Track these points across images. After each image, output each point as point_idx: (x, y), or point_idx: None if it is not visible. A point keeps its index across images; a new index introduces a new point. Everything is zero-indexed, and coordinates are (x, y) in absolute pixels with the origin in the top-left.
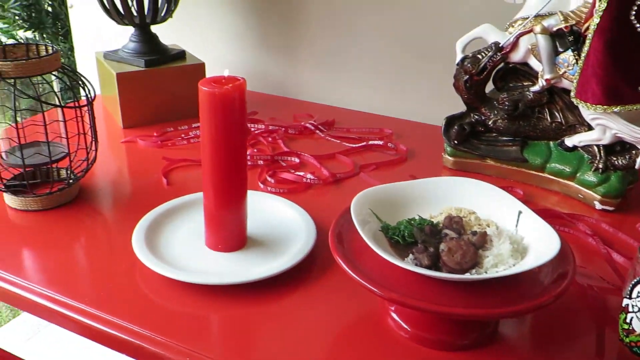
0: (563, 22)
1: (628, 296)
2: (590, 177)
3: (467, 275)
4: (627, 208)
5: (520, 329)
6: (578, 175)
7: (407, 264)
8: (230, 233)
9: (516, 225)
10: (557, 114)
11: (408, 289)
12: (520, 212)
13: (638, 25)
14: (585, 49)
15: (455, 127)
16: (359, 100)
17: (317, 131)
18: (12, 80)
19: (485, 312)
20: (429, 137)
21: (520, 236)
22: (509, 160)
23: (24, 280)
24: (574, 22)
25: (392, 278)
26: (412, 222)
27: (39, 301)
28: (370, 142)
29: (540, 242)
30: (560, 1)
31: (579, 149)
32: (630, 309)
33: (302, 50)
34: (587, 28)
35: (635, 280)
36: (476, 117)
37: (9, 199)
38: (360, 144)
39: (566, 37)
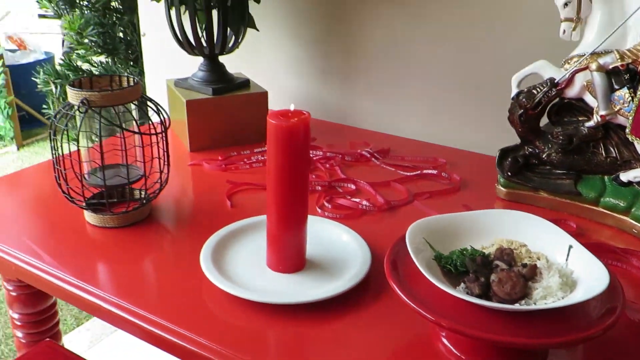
0: (619, 60)
1: None
2: None
3: (516, 306)
4: None
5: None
6: (633, 210)
7: (459, 292)
8: (290, 255)
9: (566, 259)
10: (612, 149)
11: (458, 316)
12: (570, 247)
13: None
14: None
15: (509, 159)
16: (414, 129)
17: (373, 159)
18: (98, 109)
19: (532, 342)
20: (482, 168)
21: (570, 270)
22: (562, 193)
23: (99, 289)
24: (630, 60)
25: (443, 305)
26: (465, 252)
27: (111, 309)
28: (425, 171)
29: (589, 276)
30: (616, 39)
31: (634, 184)
32: None
33: (360, 80)
34: None
35: None
36: (530, 149)
37: (89, 216)
38: (414, 173)
39: (622, 75)
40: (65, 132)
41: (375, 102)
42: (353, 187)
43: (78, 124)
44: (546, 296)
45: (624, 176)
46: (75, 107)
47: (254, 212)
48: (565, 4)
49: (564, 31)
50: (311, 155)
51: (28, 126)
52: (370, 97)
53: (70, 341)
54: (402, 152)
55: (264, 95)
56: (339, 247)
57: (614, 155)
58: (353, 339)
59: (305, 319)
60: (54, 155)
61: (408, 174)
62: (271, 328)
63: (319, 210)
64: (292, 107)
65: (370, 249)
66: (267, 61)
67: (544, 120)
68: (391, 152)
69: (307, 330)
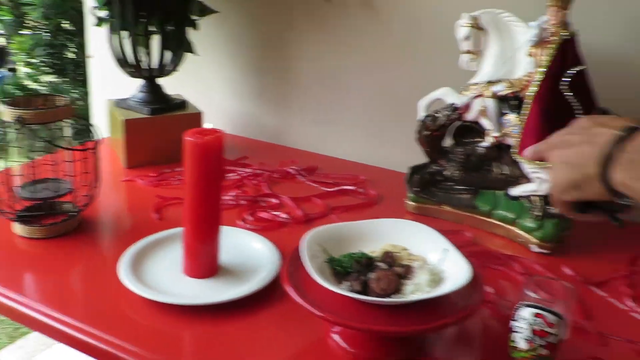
0: (509, 88)
1: (513, 319)
2: (529, 223)
3: (387, 299)
4: (561, 252)
5: (444, 347)
6: (519, 221)
7: (340, 289)
8: (203, 262)
9: (441, 260)
10: (504, 167)
11: (342, 312)
12: (446, 250)
13: (568, 93)
14: (525, 112)
15: (417, 175)
16: (342, 149)
17: (299, 176)
18: (32, 126)
19: (402, 330)
20: (397, 184)
21: (441, 269)
22: (462, 206)
23: (27, 298)
24: (517, 89)
25: (331, 304)
26: (354, 255)
27: (38, 317)
28: (344, 187)
29: (456, 275)
30: (508, 71)
31: (521, 198)
32: (514, 330)
33: (294, 102)
34: (527, 95)
35: (517, 306)
36: (435, 167)
37: (18, 228)
38: (334, 189)
39: (510, 101)
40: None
41: (307, 123)
42: (276, 201)
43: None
44: (415, 291)
45: (513, 191)
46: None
47: (178, 224)
48: (466, 38)
49: (464, 61)
50: (240, 172)
51: None
52: (303, 118)
53: (4, 358)
54: (328, 170)
55: (198, 115)
56: (253, 256)
57: (507, 172)
58: (258, 337)
59: (216, 319)
60: None
61: (329, 189)
62: (185, 329)
63: (241, 223)
64: (208, 126)
65: (281, 256)
66: (206, 83)
67: (450, 141)
68: (318, 170)
69: (217, 330)
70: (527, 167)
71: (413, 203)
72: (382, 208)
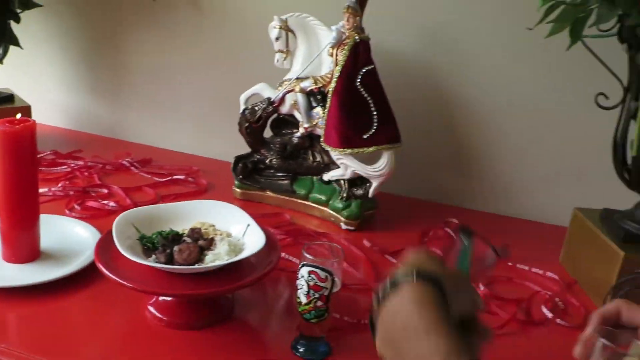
0: (314, 84)
1: (297, 279)
2: (338, 204)
3: (187, 267)
4: (366, 228)
5: (249, 308)
6: (330, 202)
7: (145, 261)
8: (21, 247)
9: (243, 234)
10: (317, 155)
11: (151, 282)
12: (248, 225)
13: (361, 89)
14: (327, 105)
15: (241, 164)
16: (177, 141)
17: (132, 167)
18: None
19: (200, 292)
20: (227, 173)
21: (242, 241)
22: (282, 191)
23: None
24: (321, 84)
25: (141, 277)
26: (162, 233)
27: None
28: (175, 177)
29: (255, 245)
30: (315, 68)
31: (333, 182)
32: (297, 287)
33: (130, 96)
34: (329, 90)
35: (299, 265)
36: (258, 156)
37: None
38: (165, 179)
39: (317, 96)
40: None
41: (143, 117)
42: (106, 191)
43: None
44: (215, 260)
45: (325, 176)
46: None
47: None
48: (277, 39)
49: (277, 60)
50: (72, 164)
51: None
52: (139, 112)
53: None
54: (162, 162)
55: (27, 109)
56: (76, 241)
57: (319, 159)
58: (81, 316)
59: (37, 301)
60: None
61: (161, 179)
62: (8, 312)
63: (68, 212)
64: (18, 116)
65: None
66: (37, 78)
67: (269, 132)
68: (152, 162)
69: (39, 311)
70: (333, 155)
71: (239, 190)
72: (211, 195)
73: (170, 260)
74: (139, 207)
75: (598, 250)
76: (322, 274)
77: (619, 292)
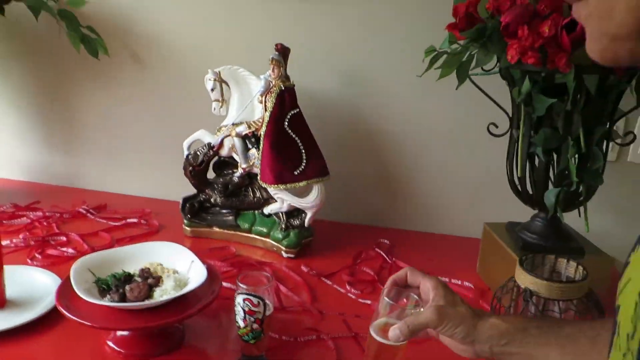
0: (248, 128)
1: (235, 306)
2: (279, 234)
3: (136, 303)
4: (304, 255)
5: (197, 335)
6: (272, 233)
7: (100, 301)
8: None
9: (188, 270)
10: (257, 191)
11: (105, 320)
12: (192, 261)
13: (289, 131)
14: (261, 147)
15: (188, 205)
16: (131, 186)
17: (88, 214)
18: None
19: (150, 325)
20: (177, 213)
21: (186, 276)
22: (227, 226)
23: None
24: (255, 128)
25: (98, 316)
26: (116, 275)
27: None
28: (128, 220)
29: (199, 278)
30: (249, 114)
31: (273, 215)
32: (236, 313)
33: (81, 147)
34: (261, 134)
35: (235, 294)
36: (203, 196)
37: None
38: (120, 223)
39: (251, 139)
40: None
41: (96, 165)
42: (64, 239)
43: None
44: (162, 295)
45: (266, 210)
46: None
47: None
48: (212, 90)
49: (214, 108)
50: (31, 216)
51: None
52: (92, 161)
53: None
54: (117, 206)
55: None
56: (39, 289)
57: (259, 195)
58: (49, 355)
59: (5, 346)
60: None
61: (115, 224)
62: None
63: (30, 262)
64: None
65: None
66: None
67: (212, 174)
68: (108, 207)
69: (11, 354)
70: (270, 191)
71: (188, 228)
72: (163, 234)
73: (123, 298)
74: (94, 253)
75: (503, 259)
76: (255, 300)
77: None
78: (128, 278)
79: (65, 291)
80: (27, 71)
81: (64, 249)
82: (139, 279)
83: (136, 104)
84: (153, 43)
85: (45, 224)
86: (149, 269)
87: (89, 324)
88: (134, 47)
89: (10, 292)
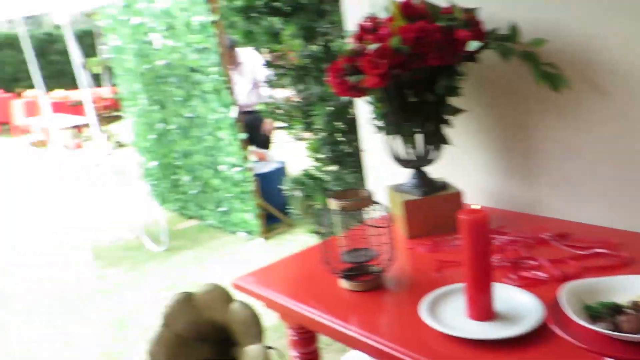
0: None
1: None
2: None
3: (635, 335)
4: None
5: None
6: None
7: (597, 327)
8: (482, 308)
9: None
10: None
11: (595, 345)
12: None
13: None
14: None
15: None
16: (593, 215)
17: (552, 241)
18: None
19: None
20: None
21: None
22: None
23: (350, 327)
24: None
25: (586, 340)
26: (606, 304)
27: (358, 338)
28: (596, 250)
29: None
30: None
31: None
32: None
33: (539, 176)
34: None
35: None
36: None
37: (344, 283)
38: (587, 252)
39: None
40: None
41: (555, 193)
42: (535, 263)
43: (335, 222)
44: None
45: None
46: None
47: (455, 280)
48: None
49: None
50: (500, 239)
51: (268, 222)
52: (551, 189)
53: None
54: (578, 235)
55: (458, 194)
56: (519, 305)
57: None
58: None
59: (492, 354)
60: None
61: (581, 252)
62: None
63: (506, 280)
64: (474, 207)
65: (544, 307)
66: (460, 165)
67: None
68: (570, 235)
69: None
70: None
71: None
72: (635, 269)
73: (615, 327)
74: (581, 280)
75: None
76: None
77: None
78: (617, 308)
79: (555, 312)
80: (490, 111)
81: (535, 272)
82: (630, 311)
83: (595, 132)
84: (616, 70)
85: (513, 247)
86: (638, 302)
87: (584, 346)
88: (592, 77)
89: (496, 305)
